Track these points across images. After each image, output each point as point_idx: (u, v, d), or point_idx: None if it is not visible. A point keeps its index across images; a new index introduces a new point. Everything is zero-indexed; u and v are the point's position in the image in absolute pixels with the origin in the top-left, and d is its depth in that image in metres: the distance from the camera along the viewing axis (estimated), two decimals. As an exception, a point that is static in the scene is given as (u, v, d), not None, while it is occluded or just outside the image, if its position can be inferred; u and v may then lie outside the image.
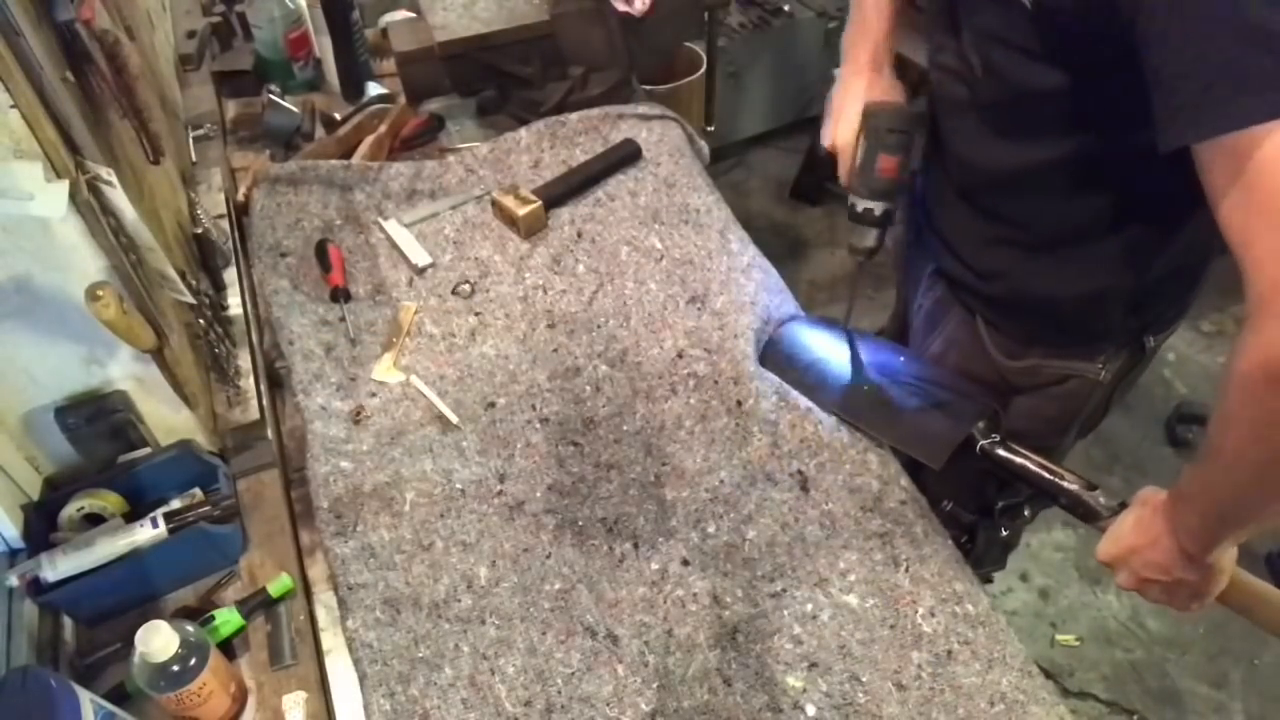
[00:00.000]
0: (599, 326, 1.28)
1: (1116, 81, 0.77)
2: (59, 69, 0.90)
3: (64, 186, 0.82)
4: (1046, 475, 1.03)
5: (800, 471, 1.10)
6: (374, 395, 1.20)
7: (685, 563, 1.03)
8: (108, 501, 1.01)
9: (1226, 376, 0.72)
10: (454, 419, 1.17)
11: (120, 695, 0.89)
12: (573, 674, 0.95)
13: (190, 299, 1.10)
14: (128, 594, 0.98)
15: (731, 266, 1.34)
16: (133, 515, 1.00)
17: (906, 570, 1.01)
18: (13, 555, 0.99)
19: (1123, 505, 0.96)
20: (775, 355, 1.23)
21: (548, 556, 1.04)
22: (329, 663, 0.97)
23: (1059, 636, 1.97)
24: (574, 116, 1.55)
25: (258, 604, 0.98)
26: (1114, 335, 1.07)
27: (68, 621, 0.97)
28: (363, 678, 0.95)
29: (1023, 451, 1.06)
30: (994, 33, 0.88)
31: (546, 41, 1.54)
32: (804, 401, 1.16)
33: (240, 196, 1.46)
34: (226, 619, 0.95)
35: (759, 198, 3.09)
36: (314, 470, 1.11)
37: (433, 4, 1.58)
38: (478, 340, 1.27)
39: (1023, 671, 0.94)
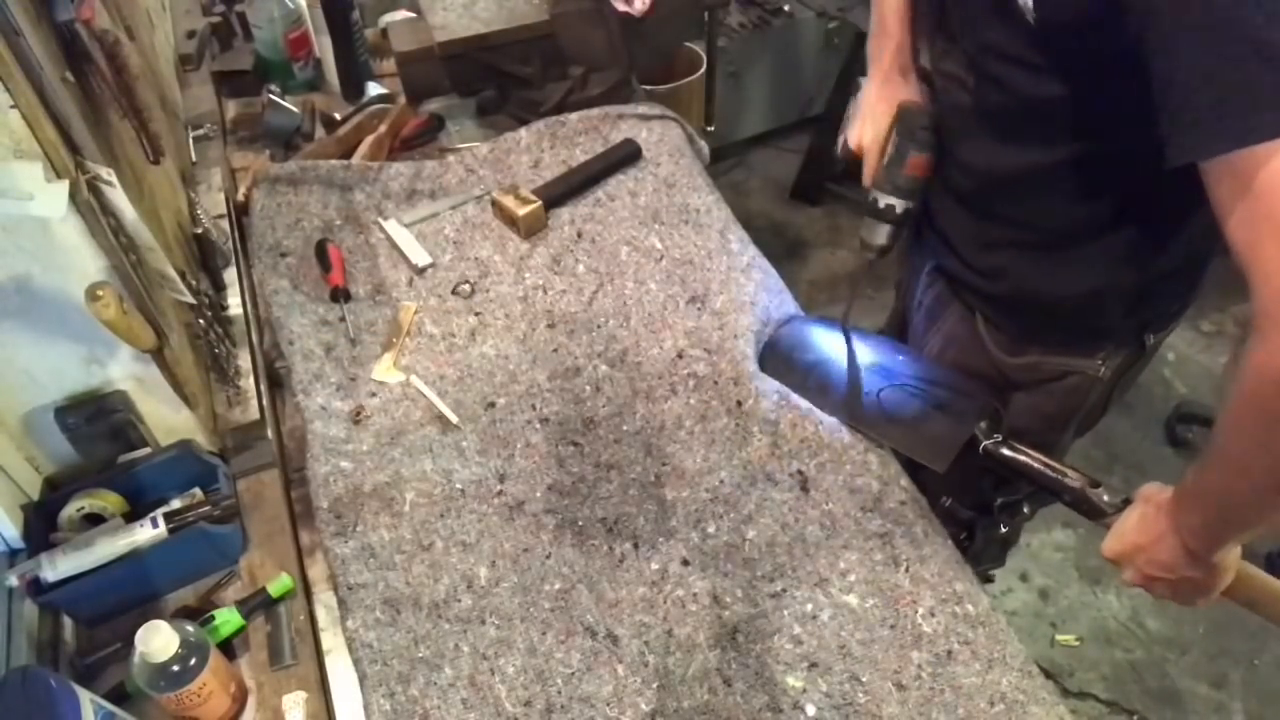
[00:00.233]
0: (599, 326, 1.28)
1: (1119, 89, 0.77)
2: (59, 69, 0.90)
3: (64, 186, 0.82)
4: (1049, 473, 1.03)
5: (800, 471, 1.10)
6: (374, 395, 1.20)
7: (685, 563, 1.03)
8: (108, 501, 1.01)
9: (1234, 385, 0.73)
10: (454, 419, 1.17)
11: (120, 695, 0.89)
12: (573, 674, 0.95)
13: (190, 299, 1.10)
14: (128, 594, 0.98)
15: (731, 266, 1.34)
16: (133, 515, 1.00)
17: (906, 570, 1.01)
18: (13, 555, 0.99)
19: (1126, 502, 0.96)
20: (775, 358, 1.23)
21: (548, 556, 1.04)
22: (329, 663, 0.97)
23: (1059, 636, 1.97)
24: (574, 116, 1.55)
25: (258, 604, 0.98)
26: (1114, 333, 1.07)
27: (68, 621, 0.97)
28: (363, 678, 0.95)
29: (1025, 450, 1.06)
30: (994, 46, 0.88)
31: (546, 41, 1.54)
32: (804, 402, 1.16)
33: (240, 196, 1.46)
34: (226, 619, 0.95)
35: (759, 198, 3.09)
36: (314, 470, 1.11)
37: (433, 4, 1.58)
38: (478, 340, 1.27)
39: (1023, 671, 0.94)
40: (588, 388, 1.21)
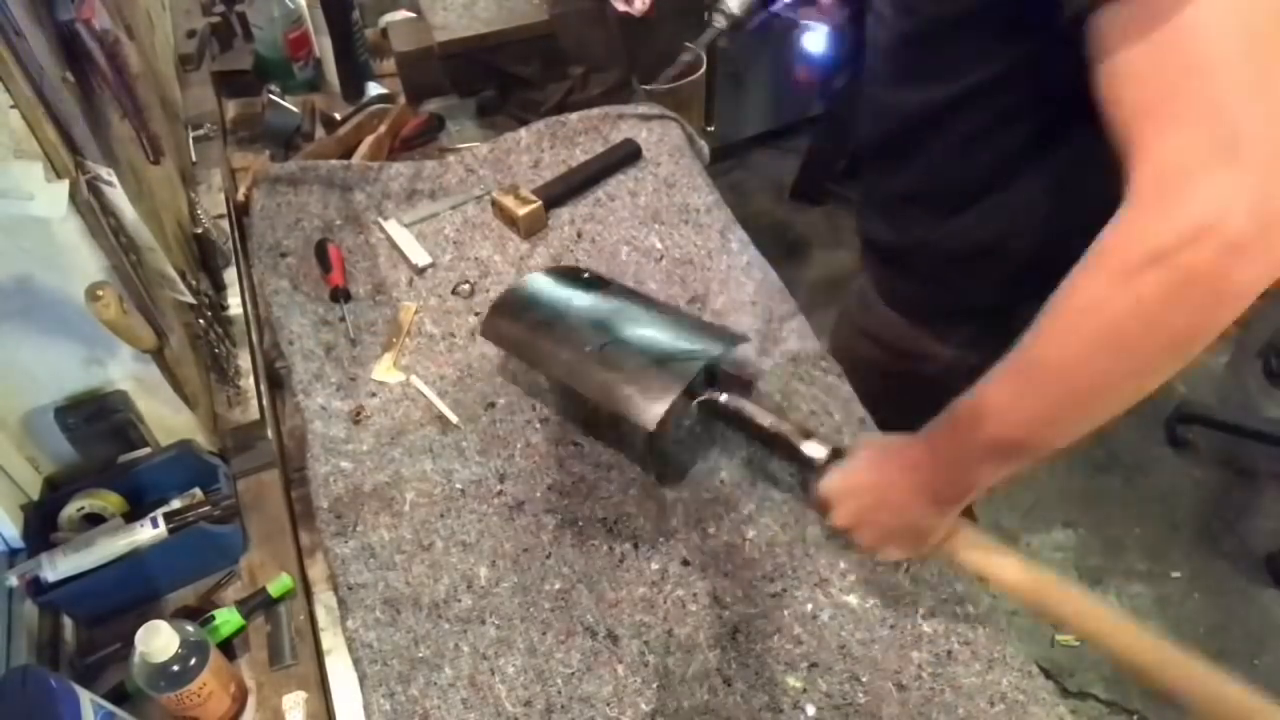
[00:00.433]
0: (599, 326, 1.27)
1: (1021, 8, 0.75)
2: (59, 69, 0.90)
3: (64, 186, 0.82)
4: (765, 426, 1.01)
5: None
6: (374, 395, 1.21)
7: (685, 563, 1.03)
8: (108, 501, 1.01)
9: (1079, 273, 0.64)
10: (454, 419, 1.17)
11: (120, 695, 0.89)
12: (573, 674, 0.95)
13: (190, 299, 1.10)
14: (128, 594, 0.98)
15: (731, 266, 1.34)
16: (133, 515, 1.00)
17: (906, 570, 1.01)
18: (13, 555, 0.99)
19: (836, 453, 0.94)
20: (503, 313, 1.18)
21: (548, 556, 1.04)
22: (329, 663, 0.97)
23: (1059, 636, 1.97)
24: (574, 116, 1.55)
25: (258, 604, 0.98)
26: (985, 316, 1.01)
27: (68, 621, 0.97)
28: (363, 678, 0.95)
29: (742, 402, 1.04)
30: None
31: (546, 41, 1.54)
32: (805, 404, 1.16)
33: (240, 196, 1.46)
34: (226, 619, 0.95)
35: (759, 198, 3.09)
36: (314, 470, 1.11)
37: (433, 4, 1.58)
38: (478, 340, 1.27)
39: (1023, 671, 0.94)
40: (588, 388, 1.21)
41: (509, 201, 1.40)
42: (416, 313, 1.31)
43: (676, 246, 1.38)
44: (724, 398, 1.05)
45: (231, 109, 1.66)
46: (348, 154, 1.54)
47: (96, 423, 1.01)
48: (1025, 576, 0.85)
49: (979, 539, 0.88)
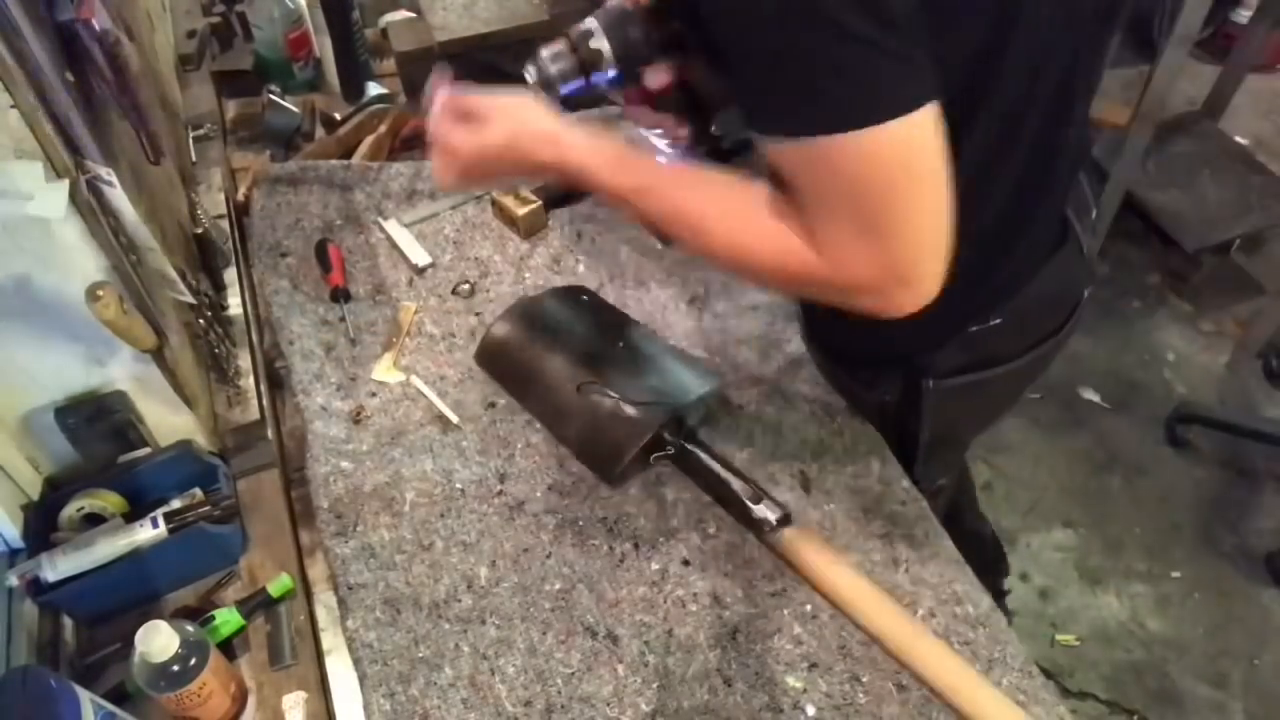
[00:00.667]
0: (599, 326, 1.27)
1: None
2: (59, 69, 0.90)
3: (64, 186, 0.82)
4: (720, 483, 1.05)
5: (801, 472, 1.10)
6: (374, 395, 1.21)
7: (685, 563, 1.03)
8: (108, 501, 1.01)
9: (788, 238, 0.75)
10: (454, 419, 1.17)
11: (120, 695, 0.89)
12: (573, 674, 0.95)
13: (190, 299, 1.10)
14: (128, 594, 0.98)
15: (731, 266, 1.34)
16: (133, 515, 1.00)
17: (906, 570, 1.01)
18: (13, 555, 0.99)
19: (785, 519, 1.01)
20: (494, 345, 1.20)
21: (548, 556, 1.04)
22: (329, 663, 0.97)
23: (1059, 636, 1.97)
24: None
25: (258, 604, 0.98)
26: (891, 361, 1.03)
27: (68, 621, 0.97)
28: (363, 678, 0.95)
29: (699, 453, 1.07)
30: None
31: (546, 41, 1.54)
32: (805, 405, 1.16)
33: (240, 196, 1.46)
34: (226, 619, 0.95)
35: (759, 198, 3.09)
36: (314, 470, 1.11)
37: (433, 4, 1.58)
38: (478, 340, 1.27)
39: (1023, 671, 0.94)
40: (588, 388, 1.21)
41: (509, 201, 1.40)
42: (416, 313, 1.31)
43: (676, 246, 1.38)
44: (683, 448, 1.08)
45: (231, 109, 1.66)
46: (348, 154, 1.54)
47: (96, 423, 1.01)
48: (849, 584, 0.97)
49: (819, 543, 1.00)
